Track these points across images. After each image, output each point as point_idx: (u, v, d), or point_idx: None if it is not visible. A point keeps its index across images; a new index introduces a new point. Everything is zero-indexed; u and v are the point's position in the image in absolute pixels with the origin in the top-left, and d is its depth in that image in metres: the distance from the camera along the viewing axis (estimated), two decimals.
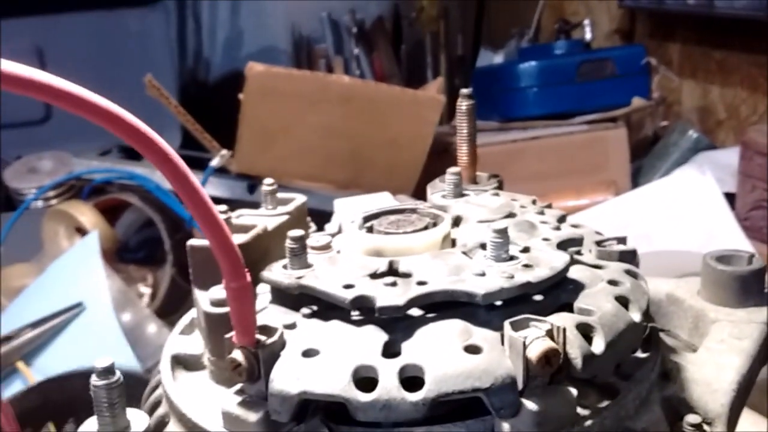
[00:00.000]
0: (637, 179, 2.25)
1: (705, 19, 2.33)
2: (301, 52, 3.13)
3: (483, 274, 0.49)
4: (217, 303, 0.51)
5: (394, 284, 0.49)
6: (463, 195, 0.68)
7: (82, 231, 1.86)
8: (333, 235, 0.62)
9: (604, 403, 0.47)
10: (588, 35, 2.48)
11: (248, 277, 0.43)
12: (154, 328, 1.61)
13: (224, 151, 1.88)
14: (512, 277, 0.48)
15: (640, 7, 2.59)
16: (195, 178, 0.42)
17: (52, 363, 1.39)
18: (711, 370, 0.53)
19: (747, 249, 1.52)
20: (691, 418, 0.49)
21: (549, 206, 0.67)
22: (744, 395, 0.54)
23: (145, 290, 1.97)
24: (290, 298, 0.51)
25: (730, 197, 1.78)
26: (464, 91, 0.75)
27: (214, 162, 1.86)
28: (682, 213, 1.67)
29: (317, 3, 3.06)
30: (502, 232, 0.51)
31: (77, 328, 1.45)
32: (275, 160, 1.96)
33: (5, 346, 1.38)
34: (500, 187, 0.73)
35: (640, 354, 0.53)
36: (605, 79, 2.28)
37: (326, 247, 0.56)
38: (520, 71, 2.33)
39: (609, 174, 2.17)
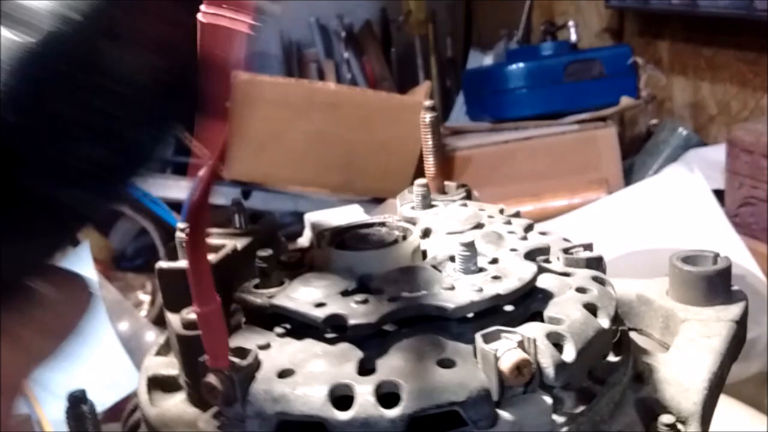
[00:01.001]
0: (629, 176, 2.26)
1: (691, 17, 2.33)
2: (291, 57, 3.13)
3: (452, 288, 0.49)
4: (189, 325, 0.51)
5: (365, 301, 0.49)
6: (431, 206, 0.69)
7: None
8: (304, 251, 0.62)
9: (579, 409, 0.47)
10: (573, 36, 2.49)
11: (218, 301, 0.43)
12: (152, 336, 1.62)
13: None
14: (481, 290, 0.48)
15: (625, 7, 2.60)
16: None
17: (51, 376, 1.39)
18: (682, 370, 0.54)
19: (738, 245, 1.53)
20: (665, 419, 0.50)
21: (517, 214, 0.68)
22: (716, 392, 0.55)
23: (145, 297, 1.98)
24: (263, 317, 0.51)
25: (720, 194, 1.79)
26: (426, 103, 0.76)
27: (202, 171, 1.85)
28: (672, 211, 1.68)
29: (305, 8, 3.07)
30: (470, 245, 0.51)
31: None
32: (267, 166, 1.96)
33: None
34: (468, 196, 0.73)
35: (611, 358, 0.53)
36: (593, 80, 2.29)
37: (298, 264, 0.56)
38: (508, 73, 2.33)
39: (601, 172, 2.18)
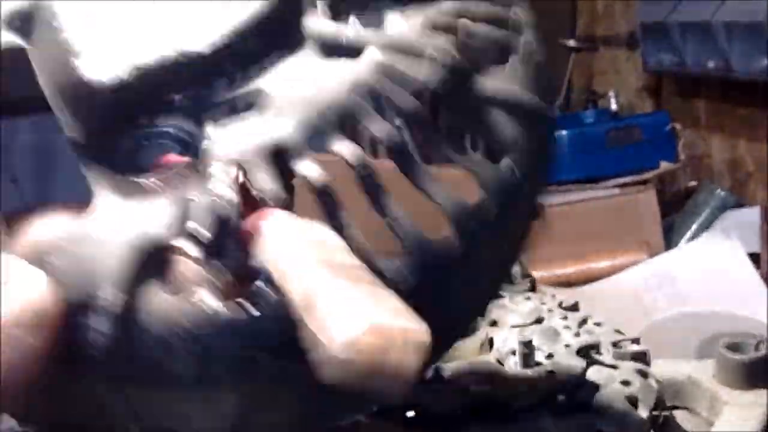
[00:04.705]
0: (668, 237, 2.33)
1: (727, 81, 2.43)
2: None
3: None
4: None
5: (440, 391, 0.62)
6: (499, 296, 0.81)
7: None
8: None
9: None
10: (614, 105, 2.60)
11: None
12: None
13: None
14: (536, 385, 0.61)
15: (663, 71, 2.70)
16: None
17: None
18: None
19: None
20: None
21: (575, 306, 0.79)
22: None
23: None
24: None
25: (757, 257, 1.87)
26: None
27: None
28: (711, 276, 1.77)
29: None
30: (529, 344, 0.64)
31: None
32: None
33: None
34: (533, 286, 0.85)
35: None
36: (632, 145, 2.39)
37: None
38: None
39: (641, 235, 2.25)
